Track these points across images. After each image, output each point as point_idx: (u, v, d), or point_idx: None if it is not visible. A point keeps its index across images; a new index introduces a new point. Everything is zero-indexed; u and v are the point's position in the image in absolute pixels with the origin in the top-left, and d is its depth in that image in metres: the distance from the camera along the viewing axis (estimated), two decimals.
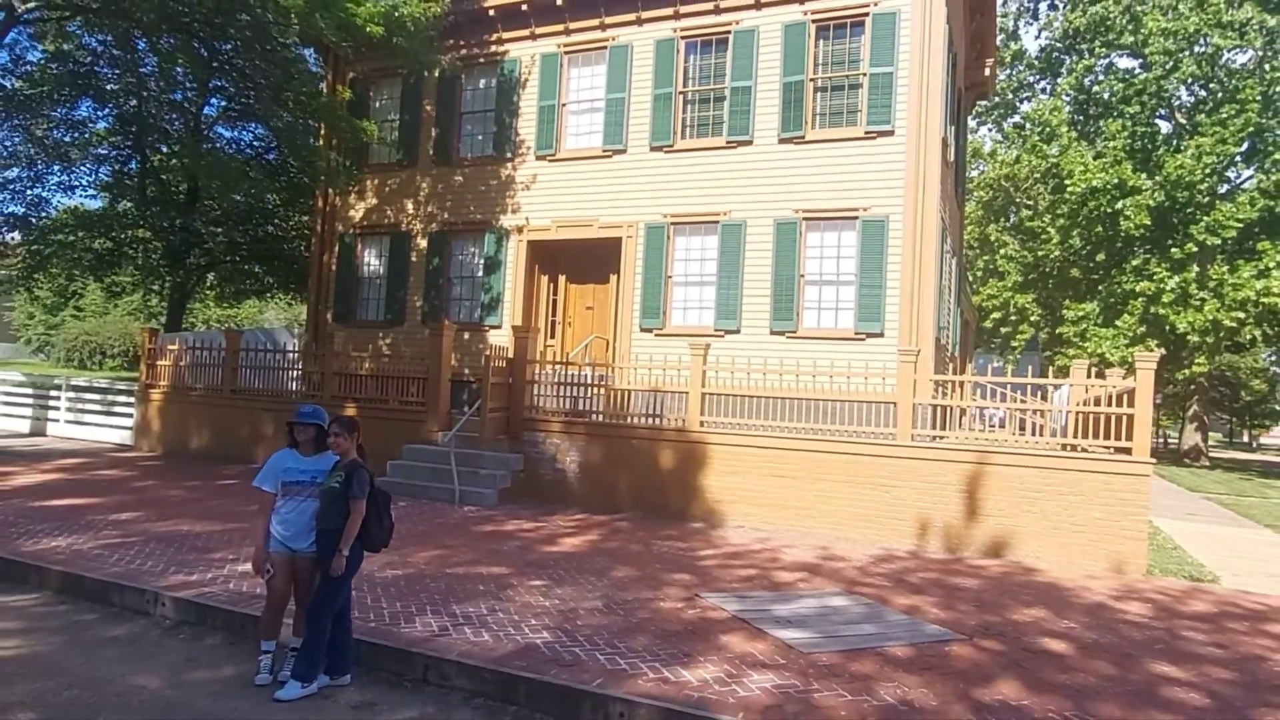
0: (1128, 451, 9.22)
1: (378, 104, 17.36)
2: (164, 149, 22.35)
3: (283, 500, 5.17)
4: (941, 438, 10.43)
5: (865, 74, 13.05)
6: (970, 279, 29.91)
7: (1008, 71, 31.09)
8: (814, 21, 13.48)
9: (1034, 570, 9.02)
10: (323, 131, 17.13)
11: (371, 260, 17.18)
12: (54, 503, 9.84)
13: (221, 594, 6.42)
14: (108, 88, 20.89)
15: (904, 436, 10.23)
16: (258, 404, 14.82)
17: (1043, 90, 30.51)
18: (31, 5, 14.26)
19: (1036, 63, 30.22)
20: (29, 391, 18.49)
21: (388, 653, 5.42)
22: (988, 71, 18.09)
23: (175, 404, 15.62)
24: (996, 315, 28.19)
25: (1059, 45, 28.71)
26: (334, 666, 5.09)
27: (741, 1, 13.88)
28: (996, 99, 30.67)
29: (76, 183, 22.47)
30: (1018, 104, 31.41)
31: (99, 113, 22.06)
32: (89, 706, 4.62)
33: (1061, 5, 29.02)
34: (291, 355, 16.35)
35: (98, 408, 17.34)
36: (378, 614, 6.04)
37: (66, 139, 21.53)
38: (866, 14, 13.09)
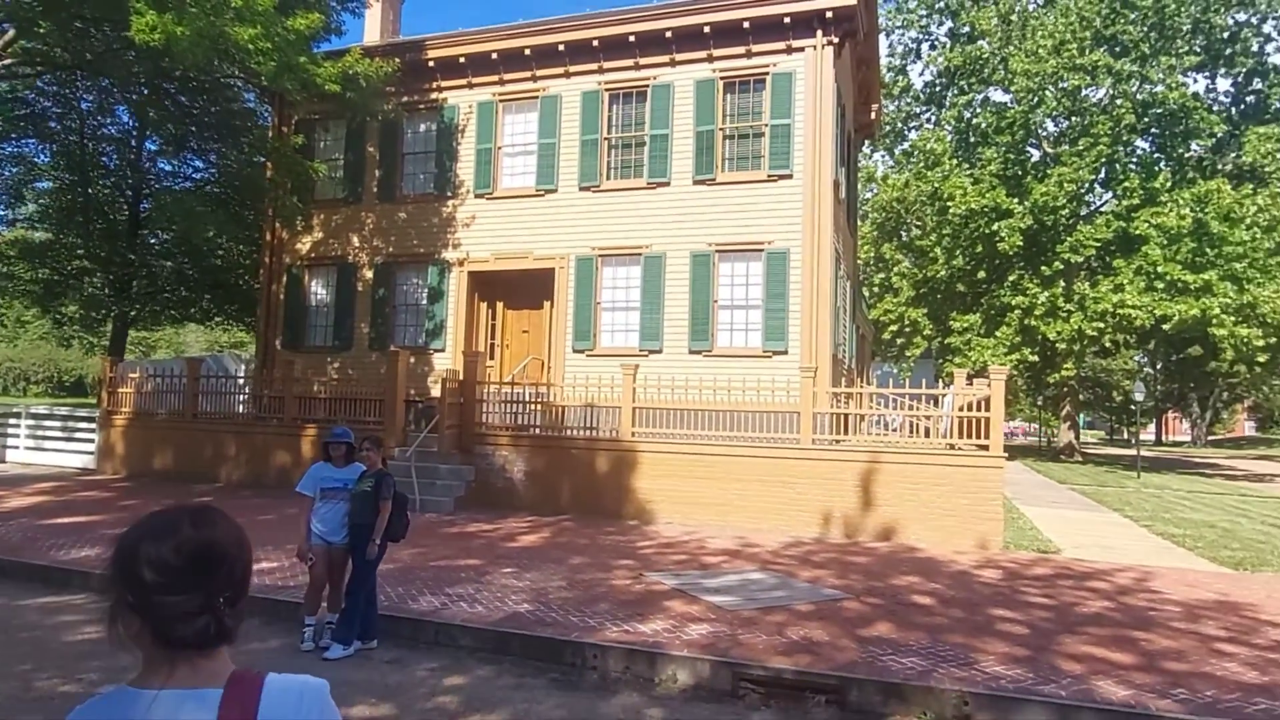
0: (987, 448, 11.27)
1: (322, 144, 18.47)
2: (104, 183, 22.89)
3: (321, 503, 6.58)
4: (840, 441, 12.30)
5: (767, 125, 14.98)
6: (867, 295, 32.52)
7: (897, 103, 33.94)
8: (722, 78, 15.35)
9: (915, 549, 10.93)
10: (269, 170, 18.09)
11: (319, 290, 18.24)
12: (57, 521, 10.78)
13: (251, 586, 7.65)
14: (50, 125, 21.39)
15: (806, 441, 12.07)
16: (220, 427, 15.77)
17: (928, 120, 33.47)
18: (8, 63, 14.90)
19: (922, 95, 33.20)
20: None
21: (403, 623, 6.82)
22: (874, 115, 20.42)
23: (138, 429, 16.40)
24: (893, 328, 30.74)
25: (940, 81, 31.69)
26: (365, 633, 6.47)
27: (658, 60, 15.65)
28: (888, 128, 33.44)
29: (18, 216, 22.83)
30: (906, 133, 34.33)
31: (39, 147, 22.48)
32: None
33: (941, 45, 32.04)
34: (240, 381, 17.32)
35: (58, 434, 17.86)
36: (386, 596, 7.41)
37: (6, 172, 21.91)
38: (767, 73, 15.03)
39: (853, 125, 19.51)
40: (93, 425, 17.21)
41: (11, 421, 18.60)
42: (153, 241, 23.35)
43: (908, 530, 11.40)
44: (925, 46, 32.97)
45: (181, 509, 1.37)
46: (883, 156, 36.09)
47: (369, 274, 17.61)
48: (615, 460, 12.76)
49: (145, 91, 19.20)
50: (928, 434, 12.41)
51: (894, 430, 13.15)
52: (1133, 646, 6.52)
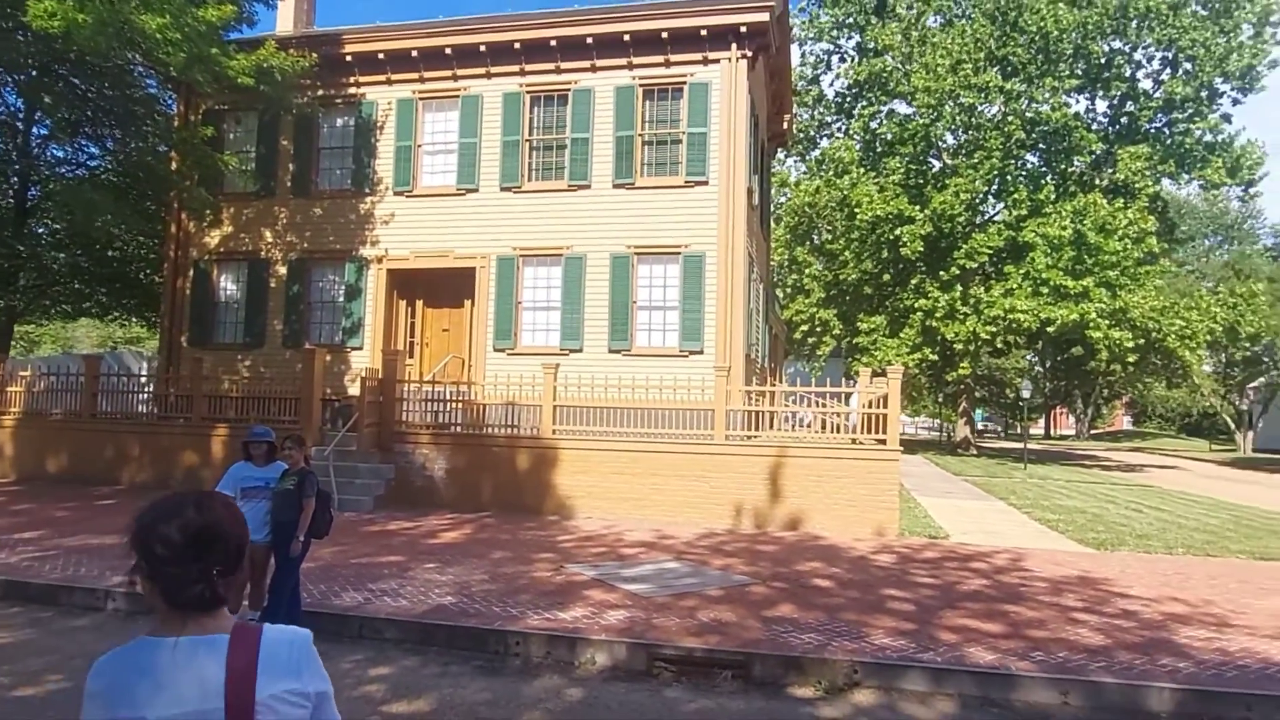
0: (884, 442, 12.04)
1: (232, 135, 18.11)
2: None
3: (241, 502, 6.67)
4: (753, 437, 12.91)
5: (684, 133, 15.50)
6: (780, 295, 33.56)
7: (810, 112, 35.11)
8: (641, 85, 15.79)
9: (819, 537, 11.60)
10: (175, 161, 17.56)
11: (229, 285, 17.88)
12: None
13: None
14: None
15: (719, 437, 12.64)
16: (121, 427, 15.31)
17: (839, 129, 34.76)
18: None
19: (833, 105, 34.47)
20: None
21: (327, 618, 6.98)
22: (786, 124, 21.24)
23: (30, 430, 15.74)
24: (804, 328, 31.87)
25: (849, 92, 32.99)
26: None
27: (579, 64, 15.98)
28: (801, 135, 34.57)
29: None
30: (819, 140, 35.55)
31: None
32: None
33: (850, 59, 33.35)
34: (142, 379, 16.85)
35: None
36: (309, 593, 7.55)
37: None
38: (684, 83, 15.55)
39: (766, 134, 20.25)
40: None
41: None
42: (41, 231, 22.23)
43: (812, 520, 12.07)
44: (835, 59, 34.22)
45: (186, 496, 1.68)
46: (796, 162, 37.29)
47: (282, 270, 17.36)
48: (536, 458, 13.06)
49: (34, 74, 18.25)
50: (837, 429, 13.13)
51: (806, 426, 13.83)
52: (1003, 618, 7.27)
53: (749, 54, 15.38)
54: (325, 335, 16.98)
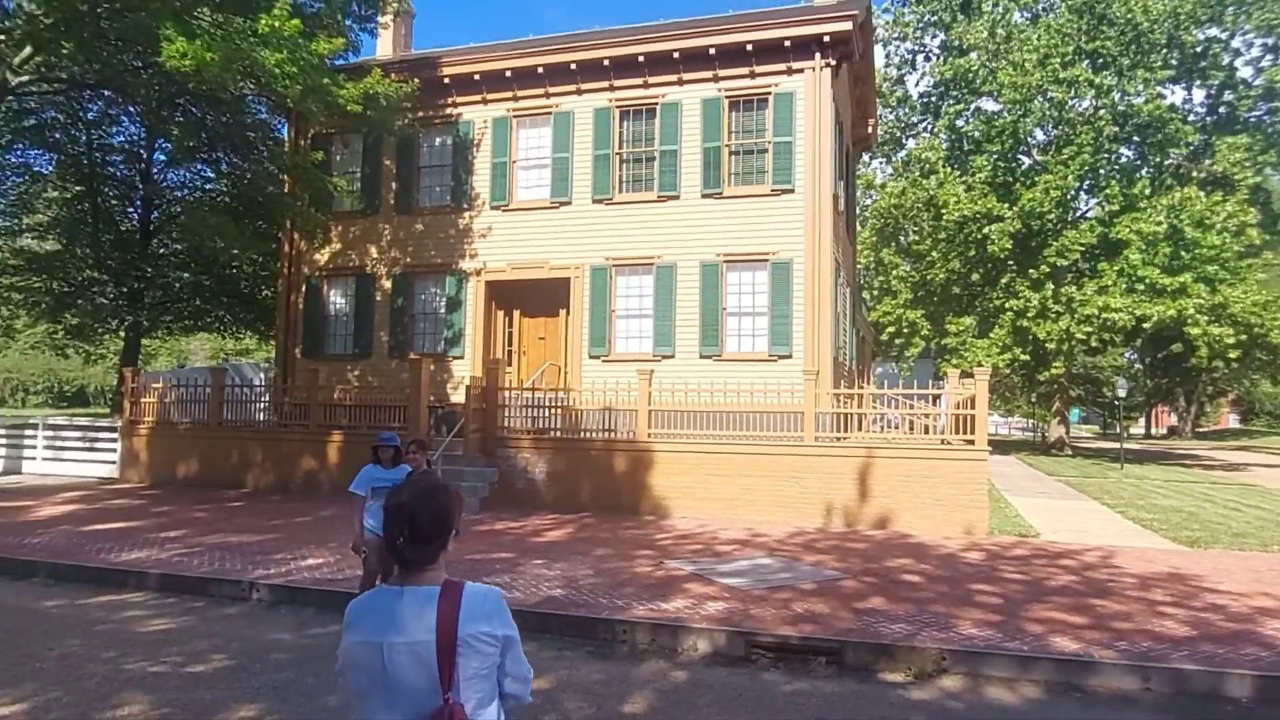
0: (972, 442, 12.17)
1: (339, 157, 19.32)
2: (111, 192, 23.37)
3: (373, 500, 7.40)
4: (842, 439, 13.20)
5: (770, 142, 15.87)
6: (867, 298, 33.46)
7: (895, 112, 34.88)
8: (727, 97, 16.24)
9: (908, 536, 11.82)
10: (288, 184, 18.76)
11: (338, 299, 19.09)
12: (98, 527, 11.50)
13: (303, 580, 8.51)
14: (55, 135, 21.84)
15: (809, 439, 12.97)
16: (245, 434, 16.55)
17: (925, 129, 34.39)
18: (25, 79, 15.69)
19: (918, 105, 34.16)
20: (1, 432, 19.47)
21: None
22: (870, 128, 21.37)
23: (162, 437, 17.13)
24: (892, 329, 31.70)
25: (935, 91, 32.63)
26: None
27: (666, 79, 16.54)
28: (886, 136, 34.39)
29: (24, 226, 23.32)
30: (904, 140, 35.28)
31: (43, 156, 22.88)
32: (256, 648, 6.65)
33: (935, 58, 33.00)
34: (259, 389, 18.14)
35: (78, 444, 18.53)
36: None
37: (8, 183, 22.33)
38: (770, 93, 15.93)
39: (851, 139, 20.42)
40: (114, 435, 17.83)
41: (28, 433, 19.16)
42: (163, 252, 23.90)
43: (901, 519, 12.28)
44: (920, 58, 33.91)
45: (406, 483, 2.25)
46: (881, 164, 37.06)
47: (387, 284, 18.45)
48: (632, 460, 13.63)
49: (155, 104, 19.63)
50: (927, 430, 13.32)
51: (895, 427, 14.03)
52: (1089, 611, 7.49)
53: (832, 63, 15.66)
54: (428, 345, 17.96)
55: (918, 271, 32.76)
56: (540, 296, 17.54)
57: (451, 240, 17.98)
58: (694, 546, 10.71)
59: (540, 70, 17.15)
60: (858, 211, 28.61)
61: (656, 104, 16.68)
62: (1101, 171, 27.72)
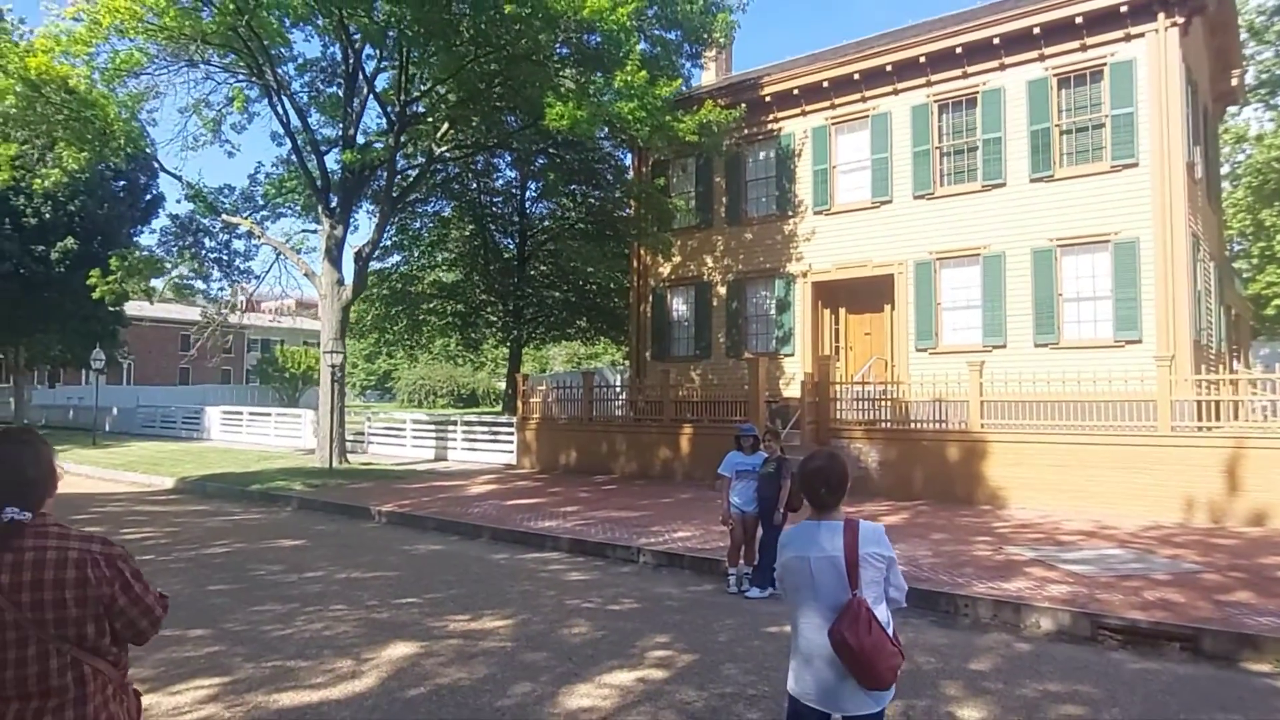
0: None
1: (675, 179, 21.47)
2: (495, 228, 28.18)
3: (736, 481, 8.74)
4: (1208, 428, 12.29)
5: (1107, 116, 15.05)
6: (1243, 268, 29.20)
7: (1276, 48, 30.04)
8: (1055, 75, 15.66)
9: None
10: (634, 208, 21.33)
11: (679, 306, 21.25)
12: (516, 502, 14.34)
13: (678, 548, 10.13)
14: (454, 185, 26.86)
15: (1164, 429, 12.26)
16: (610, 428, 19.17)
17: None
18: (445, 149, 19.77)
19: None
20: (431, 428, 24.31)
21: None
22: (1235, 82, 18.97)
23: (547, 431, 20.39)
24: (1278, 303, 27.45)
25: None
26: (773, 581, 8.54)
27: (986, 65, 16.34)
28: (1264, 78, 29.77)
29: (435, 262, 29.00)
30: None
31: (445, 203, 28.30)
32: (652, 598, 8.28)
33: None
34: (617, 389, 20.74)
35: (485, 437, 22.61)
36: None
37: (420, 226, 27.91)
38: (1105, 64, 15.10)
39: (1210, 97, 18.39)
40: (511, 430, 21.46)
41: (450, 429, 23.72)
42: (534, 274, 28.24)
43: None
44: None
45: (817, 454, 3.31)
46: (1258, 112, 32.09)
47: (722, 290, 20.19)
48: (965, 450, 13.85)
49: (528, 152, 23.39)
50: None
51: (1277, 414, 12.69)
52: None
53: (1180, 20, 14.46)
54: (761, 344, 19.39)
55: None
56: (864, 294, 18.16)
57: (778, 246, 19.23)
58: (1034, 535, 10.81)
59: (856, 77, 17.77)
60: (1226, 172, 25.23)
61: (977, 92, 16.53)
62: None
